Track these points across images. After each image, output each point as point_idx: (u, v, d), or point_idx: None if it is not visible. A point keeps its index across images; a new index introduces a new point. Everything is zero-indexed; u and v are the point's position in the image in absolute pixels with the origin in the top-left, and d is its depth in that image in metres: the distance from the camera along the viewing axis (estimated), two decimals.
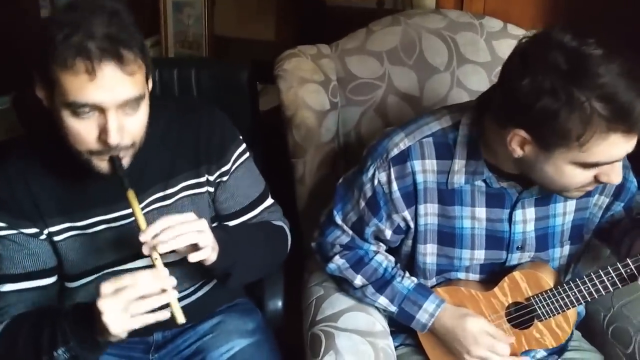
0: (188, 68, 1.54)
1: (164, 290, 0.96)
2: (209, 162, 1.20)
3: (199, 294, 1.30)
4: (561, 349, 1.30)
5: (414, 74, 1.51)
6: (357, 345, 1.19)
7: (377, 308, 1.29)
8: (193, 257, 1.02)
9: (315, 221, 1.34)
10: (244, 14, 2.42)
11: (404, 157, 1.15)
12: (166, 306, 0.97)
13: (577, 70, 0.92)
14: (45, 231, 1.12)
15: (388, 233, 1.22)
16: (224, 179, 1.23)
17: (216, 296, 1.33)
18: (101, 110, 0.96)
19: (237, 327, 1.31)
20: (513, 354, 1.23)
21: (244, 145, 1.26)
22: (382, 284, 1.26)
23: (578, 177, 1.02)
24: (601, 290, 1.11)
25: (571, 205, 1.20)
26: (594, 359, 1.31)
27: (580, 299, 1.14)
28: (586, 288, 1.12)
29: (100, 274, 1.18)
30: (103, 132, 0.97)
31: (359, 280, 1.27)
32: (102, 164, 1.02)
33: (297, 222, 1.51)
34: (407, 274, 1.27)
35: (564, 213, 1.20)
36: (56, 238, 1.13)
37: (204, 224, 1.04)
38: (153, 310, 0.95)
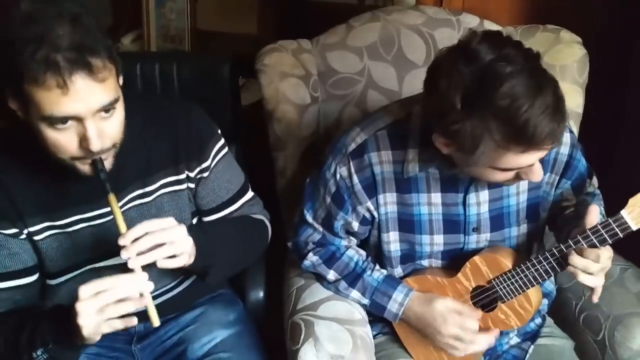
0: (169, 62, 1.54)
1: (141, 295, 0.97)
2: (188, 159, 1.20)
3: (180, 288, 1.31)
4: (534, 336, 1.34)
5: (392, 69, 1.54)
6: (335, 333, 1.21)
7: None
8: (165, 263, 1.02)
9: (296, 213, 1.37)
10: (225, 8, 2.42)
11: (361, 150, 1.19)
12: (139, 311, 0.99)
13: (480, 89, 0.95)
14: (25, 231, 1.11)
15: (355, 225, 1.26)
16: (205, 174, 1.23)
17: (197, 290, 1.34)
18: (79, 119, 0.95)
19: (218, 318, 1.33)
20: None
21: (222, 140, 1.26)
22: (353, 278, 1.29)
23: (498, 176, 1.07)
24: (556, 267, 1.14)
25: (524, 185, 1.23)
26: (566, 345, 1.34)
27: (538, 277, 1.17)
28: (542, 267, 1.15)
29: (80, 270, 1.18)
30: (84, 140, 0.97)
31: (332, 275, 1.30)
32: (84, 167, 1.02)
33: (278, 214, 1.53)
34: (377, 267, 1.30)
35: (517, 193, 1.24)
36: (36, 237, 1.12)
37: (182, 231, 1.04)
38: (125, 315, 0.97)
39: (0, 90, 0.98)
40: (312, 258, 1.32)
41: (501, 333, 1.30)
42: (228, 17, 2.41)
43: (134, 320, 0.98)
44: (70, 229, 1.13)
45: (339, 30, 1.59)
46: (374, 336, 1.35)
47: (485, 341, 1.24)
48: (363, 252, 1.33)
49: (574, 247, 1.09)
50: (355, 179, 1.20)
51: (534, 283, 1.18)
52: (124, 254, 0.98)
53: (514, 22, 1.74)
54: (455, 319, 1.22)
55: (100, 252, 1.17)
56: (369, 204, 1.22)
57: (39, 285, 1.17)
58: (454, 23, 1.58)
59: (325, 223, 1.28)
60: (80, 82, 0.92)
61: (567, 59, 1.54)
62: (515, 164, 1.02)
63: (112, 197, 1.02)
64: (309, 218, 1.29)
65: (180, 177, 1.20)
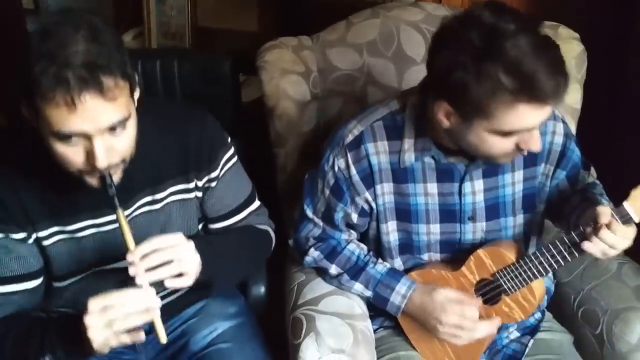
0: (171, 59, 1.55)
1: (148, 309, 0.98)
2: (198, 169, 1.20)
3: (183, 290, 1.30)
4: (533, 330, 1.36)
5: (392, 65, 1.55)
6: (336, 327, 1.23)
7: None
8: (172, 283, 1.04)
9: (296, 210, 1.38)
10: (226, 5, 2.43)
11: (358, 141, 1.21)
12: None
13: (487, 44, 0.99)
14: (34, 235, 1.10)
15: (354, 217, 1.27)
16: (212, 184, 1.23)
17: (200, 291, 1.33)
18: (86, 136, 0.95)
19: (219, 310, 1.34)
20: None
21: (232, 150, 1.26)
22: (356, 271, 1.31)
23: (498, 144, 1.08)
24: (560, 260, 1.15)
25: (519, 175, 1.25)
26: (564, 340, 1.36)
27: (542, 270, 1.18)
28: (546, 259, 1.17)
29: (87, 273, 1.18)
30: (90, 156, 0.96)
31: (334, 270, 1.32)
32: (92, 180, 1.01)
33: (278, 210, 1.55)
34: (380, 260, 1.31)
35: (513, 183, 1.25)
36: (45, 242, 1.11)
37: (191, 247, 1.06)
38: (132, 330, 0.98)
39: (17, 95, 0.97)
40: (313, 254, 1.33)
41: (501, 328, 1.31)
42: (228, 14, 2.42)
43: (142, 336, 0.99)
44: (79, 235, 1.13)
45: (339, 26, 1.60)
46: (375, 330, 1.36)
47: (487, 328, 1.25)
48: (364, 246, 1.34)
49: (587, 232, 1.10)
50: (353, 170, 1.22)
51: (543, 273, 1.19)
52: (131, 271, 0.98)
53: None
54: (455, 307, 1.23)
55: (108, 258, 1.17)
56: (367, 195, 1.24)
57: (43, 288, 1.16)
58: None
59: (325, 216, 1.30)
60: (89, 102, 0.91)
61: (565, 55, 1.50)
62: (519, 123, 1.03)
63: (120, 213, 1.02)
64: (309, 213, 1.31)
65: (190, 185, 1.21)
